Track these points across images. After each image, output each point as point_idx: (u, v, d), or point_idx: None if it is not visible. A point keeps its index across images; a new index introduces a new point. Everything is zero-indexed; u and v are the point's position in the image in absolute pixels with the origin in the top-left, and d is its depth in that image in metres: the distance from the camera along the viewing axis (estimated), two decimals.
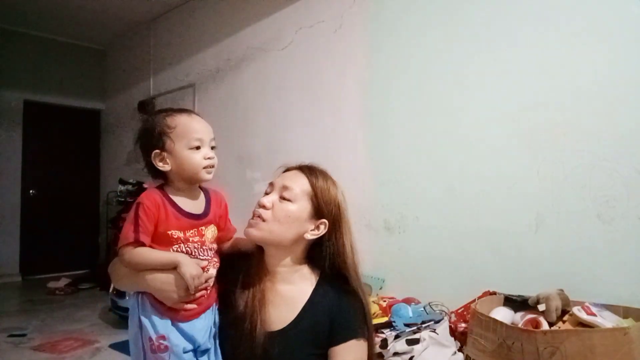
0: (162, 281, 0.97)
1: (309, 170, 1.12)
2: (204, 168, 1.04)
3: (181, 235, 1.02)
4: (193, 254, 1.03)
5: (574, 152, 2.19)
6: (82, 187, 6.07)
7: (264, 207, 1.06)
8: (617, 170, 2.06)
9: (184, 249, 1.02)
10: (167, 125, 1.02)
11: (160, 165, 1.03)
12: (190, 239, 1.03)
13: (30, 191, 5.62)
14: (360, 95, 3.17)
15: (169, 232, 1.00)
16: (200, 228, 1.06)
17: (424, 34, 2.83)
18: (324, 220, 1.09)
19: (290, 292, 1.09)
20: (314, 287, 1.10)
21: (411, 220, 2.84)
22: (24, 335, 3.30)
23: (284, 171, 1.15)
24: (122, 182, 5.13)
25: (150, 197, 1.01)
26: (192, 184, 1.08)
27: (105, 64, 6.25)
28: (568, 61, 2.23)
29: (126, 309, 3.35)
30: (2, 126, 5.41)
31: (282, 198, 1.06)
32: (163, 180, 1.08)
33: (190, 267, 0.97)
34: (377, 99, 3.07)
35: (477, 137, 2.56)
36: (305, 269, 1.12)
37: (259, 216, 1.05)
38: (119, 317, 3.51)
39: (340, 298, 1.07)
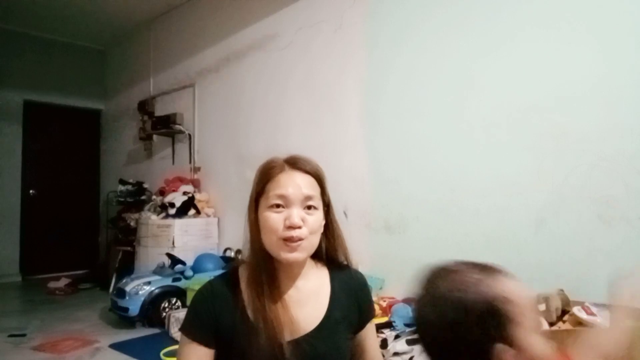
0: None
1: (311, 167, 1.02)
2: None
3: None
4: None
5: (574, 152, 2.19)
6: (82, 187, 6.08)
7: (299, 227, 0.94)
8: (617, 170, 2.06)
9: None
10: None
11: None
12: None
13: (30, 191, 5.62)
14: (360, 95, 3.16)
15: None
16: None
17: (424, 34, 2.82)
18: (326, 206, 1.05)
19: (313, 287, 1.04)
20: (329, 276, 1.07)
21: (411, 220, 2.84)
22: (24, 335, 3.29)
23: (273, 173, 1.00)
24: (122, 182, 5.13)
25: None
26: None
27: (105, 64, 6.25)
28: (567, 61, 2.23)
29: (126, 309, 3.35)
30: (2, 126, 5.42)
31: (308, 208, 0.97)
32: None
33: None
34: (377, 98, 3.07)
35: (477, 138, 2.56)
36: (316, 262, 1.09)
37: (299, 238, 0.94)
38: (119, 317, 3.51)
39: (358, 281, 1.11)
